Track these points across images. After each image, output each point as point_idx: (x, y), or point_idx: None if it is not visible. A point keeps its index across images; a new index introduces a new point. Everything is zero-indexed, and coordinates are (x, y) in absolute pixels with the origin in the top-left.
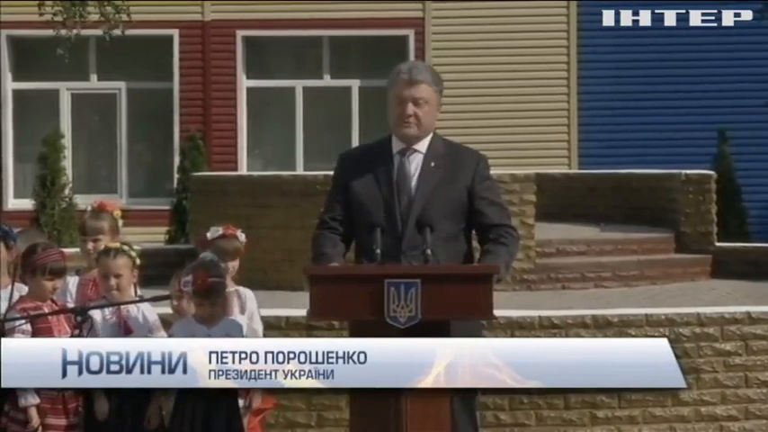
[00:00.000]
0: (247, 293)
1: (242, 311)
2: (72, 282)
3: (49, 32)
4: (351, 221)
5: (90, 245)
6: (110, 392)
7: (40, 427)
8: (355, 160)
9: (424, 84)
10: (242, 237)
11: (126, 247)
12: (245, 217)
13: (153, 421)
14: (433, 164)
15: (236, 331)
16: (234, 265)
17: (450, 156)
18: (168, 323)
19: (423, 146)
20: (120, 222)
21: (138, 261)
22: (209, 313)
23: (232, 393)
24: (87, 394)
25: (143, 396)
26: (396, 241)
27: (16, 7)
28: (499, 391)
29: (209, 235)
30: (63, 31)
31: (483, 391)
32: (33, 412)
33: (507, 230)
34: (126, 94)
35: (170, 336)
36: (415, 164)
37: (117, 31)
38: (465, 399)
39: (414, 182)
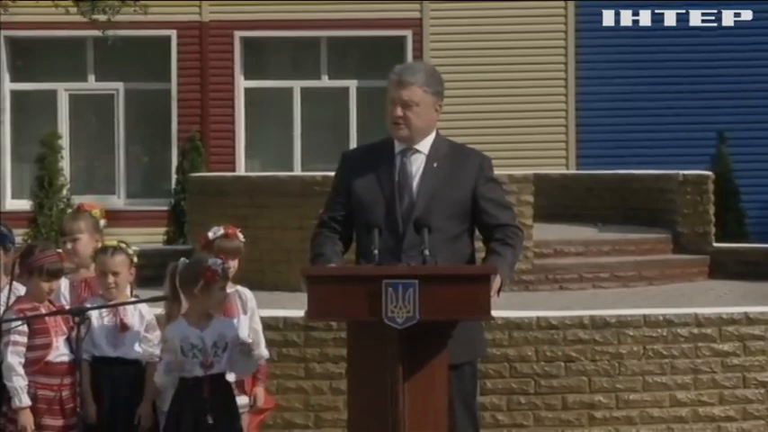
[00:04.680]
0: (247, 293)
1: (244, 312)
2: (64, 285)
3: (48, 33)
4: (351, 221)
5: (69, 245)
6: (101, 393)
7: (35, 428)
8: (358, 160)
9: (414, 86)
10: (241, 237)
11: (123, 245)
12: (242, 217)
13: (144, 421)
14: (435, 164)
15: (229, 330)
16: (234, 264)
17: (452, 156)
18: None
19: (425, 146)
20: (103, 222)
21: (135, 259)
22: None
23: (230, 392)
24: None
25: (137, 395)
26: (397, 242)
27: (15, 8)
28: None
29: (210, 234)
30: (109, 32)
31: (481, 391)
32: (24, 415)
33: (513, 230)
34: (124, 95)
35: (164, 339)
36: (417, 164)
37: (112, 33)
38: (465, 399)
39: (415, 182)
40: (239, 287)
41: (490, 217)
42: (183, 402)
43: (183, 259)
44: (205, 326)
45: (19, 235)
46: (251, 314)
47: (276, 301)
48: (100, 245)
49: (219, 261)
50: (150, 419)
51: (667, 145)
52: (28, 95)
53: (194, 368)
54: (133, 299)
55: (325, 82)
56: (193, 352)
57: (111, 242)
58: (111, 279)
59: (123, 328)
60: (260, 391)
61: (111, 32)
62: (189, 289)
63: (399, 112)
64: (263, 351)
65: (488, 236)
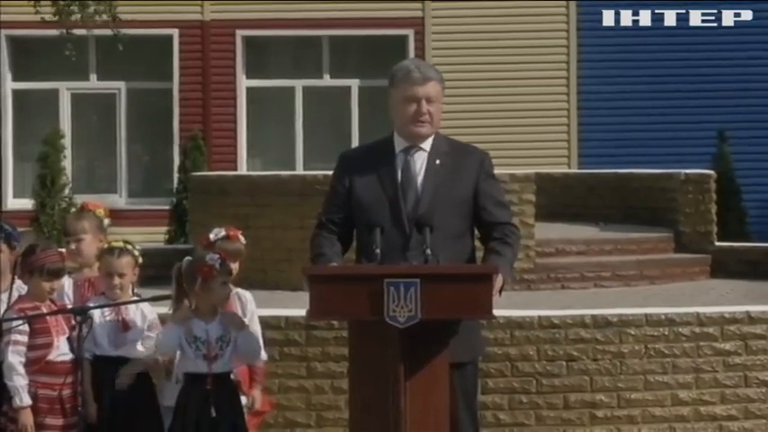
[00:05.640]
0: (247, 296)
1: (243, 314)
2: (67, 284)
3: (49, 32)
4: (350, 222)
5: (73, 245)
6: (102, 392)
7: (36, 428)
8: (357, 160)
9: (433, 81)
10: (242, 239)
11: (129, 246)
12: (244, 217)
13: (124, 379)
14: (437, 162)
15: (234, 323)
16: (235, 266)
17: (454, 154)
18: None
19: (427, 144)
20: (106, 221)
21: (140, 260)
22: (224, 292)
23: (234, 389)
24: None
25: (138, 395)
26: (403, 241)
27: (16, 7)
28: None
29: (211, 236)
30: (65, 30)
31: (483, 390)
32: (25, 415)
33: (511, 229)
34: (126, 94)
35: (165, 330)
36: (419, 162)
37: (121, 31)
38: (466, 397)
39: (419, 180)
40: (239, 290)
41: (489, 215)
42: (188, 396)
43: (187, 258)
44: (211, 320)
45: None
46: (250, 317)
47: (277, 300)
48: (105, 245)
49: (216, 257)
50: (130, 380)
51: (668, 144)
52: (30, 94)
53: (197, 361)
54: (135, 298)
55: (326, 81)
56: (196, 344)
57: (118, 243)
58: (116, 280)
59: (125, 327)
60: (257, 393)
61: (114, 30)
62: (191, 287)
63: (425, 108)
64: (261, 354)
65: (487, 233)
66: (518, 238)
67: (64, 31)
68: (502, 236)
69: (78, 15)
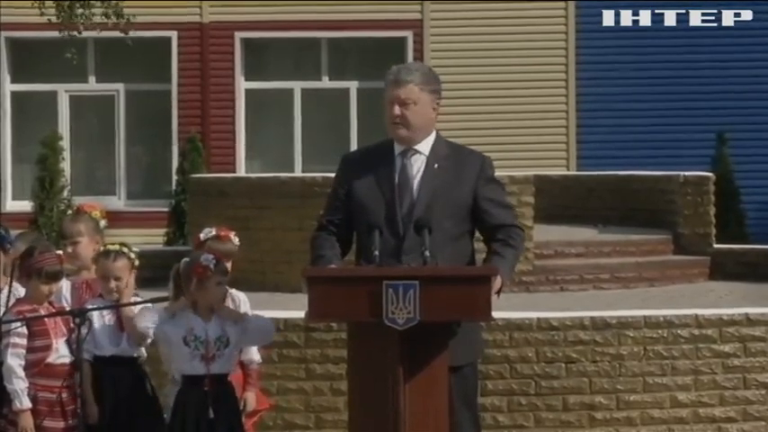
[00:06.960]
0: (241, 297)
1: None
2: (65, 287)
3: (48, 34)
4: (351, 224)
5: (69, 248)
6: (102, 394)
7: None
8: (357, 162)
9: (410, 84)
10: (235, 240)
11: (126, 249)
12: (243, 218)
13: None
14: (436, 165)
15: (231, 316)
16: (227, 267)
17: (453, 157)
18: None
19: (425, 147)
20: (103, 223)
21: (137, 263)
22: (221, 293)
23: (232, 390)
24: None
25: (138, 395)
26: (398, 243)
27: (15, 8)
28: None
29: (201, 236)
30: (68, 33)
31: (482, 392)
32: (25, 418)
33: (515, 231)
34: (124, 96)
35: (162, 325)
36: (417, 165)
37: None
38: (467, 399)
39: (416, 183)
40: (233, 291)
41: (491, 217)
42: (186, 397)
43: (184, 259)
44: (208, 319)
45: None
46: None
47: (277, 302)
48: (101, 247)
49: (211, 257)
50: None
51: (667, 146)
52: (28, 96)
53: (195, 361)
54: (134, 299)
55: (325, 83)
56: (195, 344)
57: (114, 246)
58: (112, 284)
59: (122, 326)
60: (250, 395)
61: (123, 31)
62: (187, 288)
63: (398, 111)
64: (254, 356)
65: (489, 236)
66: (522, 240)
67: (66, 33)
68: (505, 237)
69: (83, 17)
